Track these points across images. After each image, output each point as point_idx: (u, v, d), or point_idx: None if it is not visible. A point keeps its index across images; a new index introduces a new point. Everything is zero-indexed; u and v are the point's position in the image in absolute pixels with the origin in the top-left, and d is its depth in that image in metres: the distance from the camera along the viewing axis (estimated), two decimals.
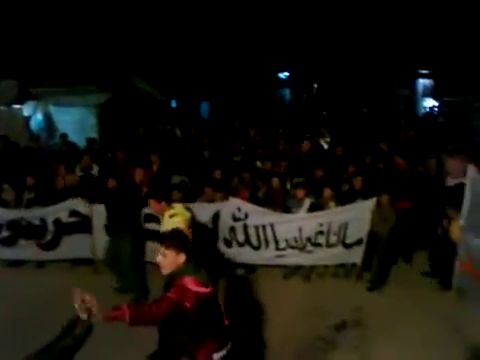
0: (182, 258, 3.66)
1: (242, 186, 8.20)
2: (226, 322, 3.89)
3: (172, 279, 3.63)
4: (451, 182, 6.81)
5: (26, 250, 7.90)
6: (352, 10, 21.35)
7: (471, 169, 6.13)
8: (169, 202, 5.91)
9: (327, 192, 7.34)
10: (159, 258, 3.67)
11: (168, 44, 18.02)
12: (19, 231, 7.85)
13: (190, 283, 3.53)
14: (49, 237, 7.89)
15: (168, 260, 3.65)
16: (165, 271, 3.70)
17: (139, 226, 7.22)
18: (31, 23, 13.37)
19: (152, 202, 5.89)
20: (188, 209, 5.91)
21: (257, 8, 20.27)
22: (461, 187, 6.33)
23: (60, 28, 13.89)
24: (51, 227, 7.83)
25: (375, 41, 22.06)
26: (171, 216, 5.60)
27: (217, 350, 3.73)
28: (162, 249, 3.68)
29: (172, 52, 18.23)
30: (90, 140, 11.11)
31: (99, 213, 7.49)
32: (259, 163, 9.48)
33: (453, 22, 19.59)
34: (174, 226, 4.63)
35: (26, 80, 12.58)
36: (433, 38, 20.52)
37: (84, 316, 3.05)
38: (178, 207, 5.80)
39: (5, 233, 7.87)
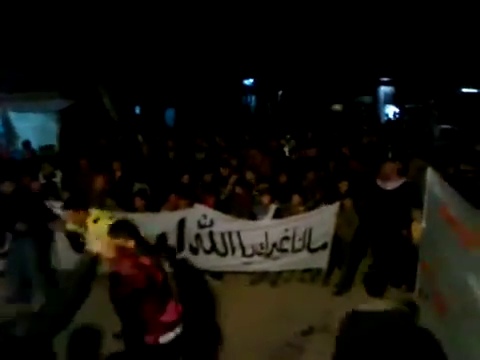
0: (131, 244, 4.08)
1: (207, 192, 8.13)
2: (179, 307, 4.15)
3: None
4: (391, 185, 7.08)
5: None
6: (315, 19, 21.63)
7: (430, 172, 6.25)
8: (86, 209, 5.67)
9: (296, 199, 7.32)
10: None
11: (132, 49, 17.82)
12: None
13: (146, 261, 3.96)
14: (8, 246, 7.62)
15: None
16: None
17: (42, 231, 7.02)
18: None
19: (70, 213, 5.62)
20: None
21: (222, 14, 20.29)
22: (408, 187, 6.72)
23: (21, 31, 13.54)
24: (10, 236, 7.56)
25: (338, 49, 22.41)
26: (95, 221, 5.45)
27: (164, 332, 3.99)
28: (111, 240, 4.11)
29: (136, 57, 18.03)
30: (46, 147, 10.92)
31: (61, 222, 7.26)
32: (222, 169, 9.40)
33: (413, 30, 20.08)
34: (103, 229, 4.62)
35: None
36: (394, 46, 20.98)
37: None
38: (96, 211, 5.66)
39: None
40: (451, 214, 5.56)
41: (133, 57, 17.79)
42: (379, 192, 7.23)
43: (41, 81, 12.91)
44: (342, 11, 20.94)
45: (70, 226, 5.84)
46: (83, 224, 5.53)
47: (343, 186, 7.69)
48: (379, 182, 7.37)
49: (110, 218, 5.31)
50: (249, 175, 8.87)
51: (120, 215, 6.35)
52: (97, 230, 5.23)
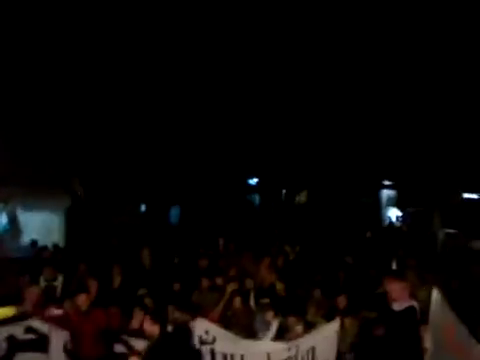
0: None
1: (211, 304, 8.05)
2: None
3: None
4: (397, 307, 6.60)
5: None
6: (319, 122, 22.44)
7: (435, 293, 6.16)
8: None
9: (291, 319, 7.20)
10: None
11: (139, 148, 18.38)
12: None
13: None
14: (1, 354, 7.43)
15: None
16: None
17: None
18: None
19: None
20: None
21: (226, 112, 21.03)
22: (411, 312, 6.34)
23: (28, 128, 14.11)
24: (4, 344, 7.38)
25: (341, 151, 23.02)
26: None
27: None
28: None
29: (142, 157, 18.55)
30: (54, 248, 10.98)
31: (58, 331, 7.16)
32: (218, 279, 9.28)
33: (416, 135, 20.70)
34: None
35: None
36: (396, 150, 21.54)
37: None
38: None
39: None
40: (456, 339, 5.49)
41: (140, 156, 18.32)
42: (385, 311, 7.03)
43: (48, 178, 13.28)
44: (346, 111, 21.70)
45: None
46: None
47: (342, 301, 7.63)
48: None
49: None
50: (249, 283, 8.84)
51: None
52: None
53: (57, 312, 7.38)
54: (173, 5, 15.29)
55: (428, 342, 6.17)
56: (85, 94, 15.51)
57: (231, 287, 8.56)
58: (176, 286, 8.68)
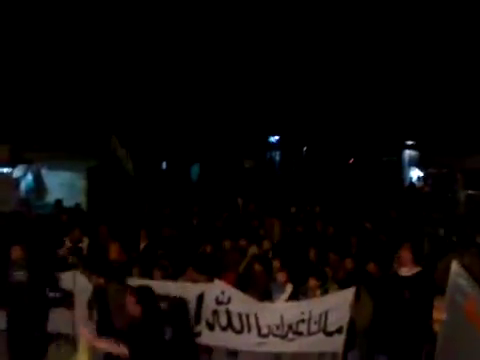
0: None
1: (229, 265, 8.24)
2: None
3: None
4: (406, 272, 6.76)
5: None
6: (341, 80, 22.12)
7: (454, 265, 6.15)
8: None
9: (312, 282, 7.32)
10: None
11: (159, 107, 18.46)
12: None
13: None
14: None
15: None
16: None
17: None
18: (25, 89, 13.80)
19: None
20: None
21: (248, 73, 20.93)
22: (421, 277, 6.49)
23: (52, 93, 14.32)
24: None
25: (364, 107, 22.72)
26: None
27: None
28: None
29: (163, 114, 18.64)
30: (77, 209, 11.23)
31: (82, 289, 7.51)
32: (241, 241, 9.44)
33: (440, 97, 20.30)
34: None
35: (19, 144, 12.82)
36: (420, 110, 21.18)
37: None
38: None
39: None
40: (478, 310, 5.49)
41: (160, 114, 18.42)
42: (394, 277, 7.08)
43: (72, 141, 13.52)
44: (371, 69, 21.32)
45: None
46: None
47: (349, 263, 7.75)
48: (396, 266, 7.24)
49: None
50: (266, 244, 9.01)
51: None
52: None
53: None
54: None
55: (442, 313, 6.21)
56: (106, 58, 15.59)
57: (253, 250, 8.77)
58: (208, 248, 8.86)
